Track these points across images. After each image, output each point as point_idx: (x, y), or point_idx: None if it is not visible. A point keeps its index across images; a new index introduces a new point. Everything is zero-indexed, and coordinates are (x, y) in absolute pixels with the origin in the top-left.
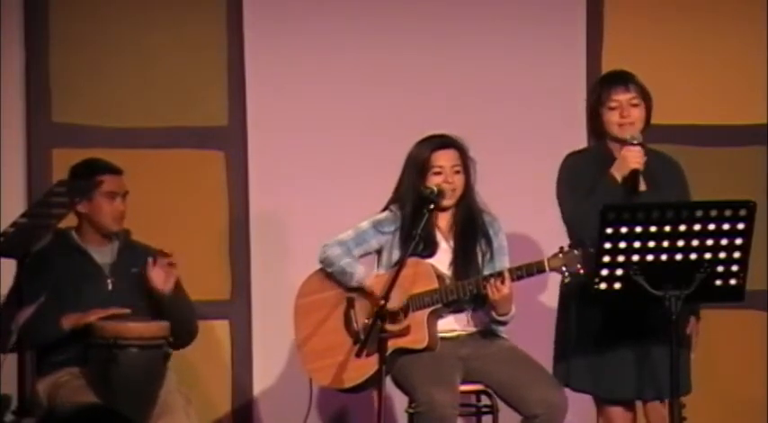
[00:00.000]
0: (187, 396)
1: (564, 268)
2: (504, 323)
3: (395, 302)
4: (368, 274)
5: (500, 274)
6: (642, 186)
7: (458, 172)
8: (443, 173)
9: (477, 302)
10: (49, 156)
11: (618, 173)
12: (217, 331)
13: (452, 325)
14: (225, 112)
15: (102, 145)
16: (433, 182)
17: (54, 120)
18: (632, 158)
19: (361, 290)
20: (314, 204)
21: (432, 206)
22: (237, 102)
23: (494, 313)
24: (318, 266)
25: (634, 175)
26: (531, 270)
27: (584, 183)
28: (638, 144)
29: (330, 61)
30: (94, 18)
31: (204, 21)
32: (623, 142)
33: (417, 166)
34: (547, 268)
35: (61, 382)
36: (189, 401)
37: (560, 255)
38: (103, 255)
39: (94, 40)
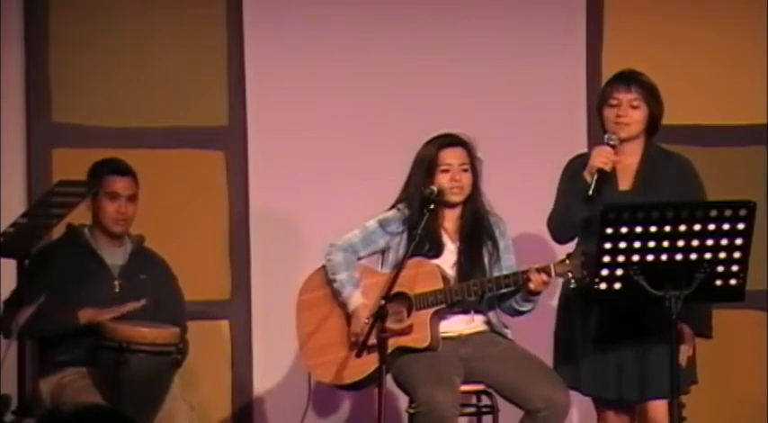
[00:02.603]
0: (190, 403)
1: (570, 275)
2: (524, 313)
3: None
4: (357, 297)
5: (545, 269)
6: (625, 186)
7: (465, 170)
8: (451, 170)
9: (482, 303)
10: (49, 156)
11: (587, 173)
12: (217, 331)
13: (454, 325)
14: (225, 112)
15: (103, 145)
16: (441, 180)
17: (54, 120)
18: (597, 157)
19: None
20: (314, 204)
21: (432, 206)
22: (237, 102)
23: (517, 305)
24: (320, 263)
25: (601, 175)
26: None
27: (577, 187)
28: (612, 145)
29: (330, 61)
30: (94, 18)
31: (204, 21)
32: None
33: (425, 164)
34: (553, 273)
35: (65, 381)
36: (192, 408)
37: (567, 261)
38: (115, 256)
39: (94, 40)
